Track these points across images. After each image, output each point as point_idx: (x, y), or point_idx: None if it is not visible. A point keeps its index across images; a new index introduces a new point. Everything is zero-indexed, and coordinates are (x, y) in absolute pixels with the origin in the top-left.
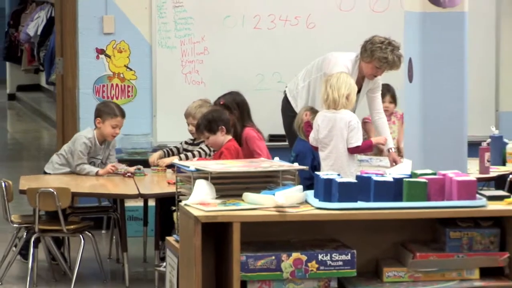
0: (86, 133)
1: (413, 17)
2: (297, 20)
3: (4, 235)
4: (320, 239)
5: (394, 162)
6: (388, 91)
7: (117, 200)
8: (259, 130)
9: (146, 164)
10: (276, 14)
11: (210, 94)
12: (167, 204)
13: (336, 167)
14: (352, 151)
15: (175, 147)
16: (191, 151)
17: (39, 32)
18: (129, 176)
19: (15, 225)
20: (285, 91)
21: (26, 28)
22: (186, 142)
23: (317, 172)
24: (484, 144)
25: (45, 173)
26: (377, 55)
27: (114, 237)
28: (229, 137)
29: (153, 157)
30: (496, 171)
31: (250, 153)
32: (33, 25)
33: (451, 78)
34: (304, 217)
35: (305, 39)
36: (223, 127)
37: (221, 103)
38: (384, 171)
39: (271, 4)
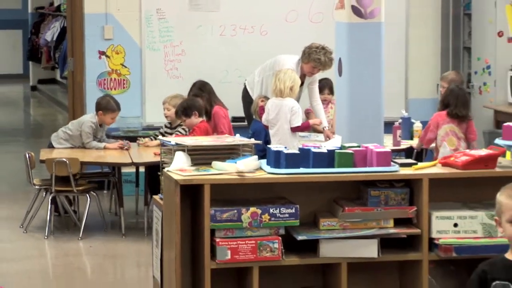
0: (90, 117)
1: (342, 27)
2: (253, 29)
3: (28, 195)
4: (271, 197)
5: (328, 138)
6: (327, 84)
7: (115, 167)
8: (226, 107)
9: (135, 139)
10: (237, 24)
11: (186, 86)
12: (154, 170)
13: (282, 141)
14: (294, 129)
15: (159, 132)
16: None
17: (54, 38)
18: (126, 149)
19: (36, 187)
20: (244, 83)
21: (44, 35)
22: (165, 126)
23: (268, 146)
24: (396, 124)
25: (50, 143)
26: (313, 57)
27: (113, 196)
28: (201, 119)
29: (143, 141)
30: (405, 144)
31: (216, 126)
32: (50, 33)
33: (371, 73)
34: (259, 180)
35: (259, 43)
36: (196, 112)
37: (192, 94)
38: (320, 144)
39: (233, 16)
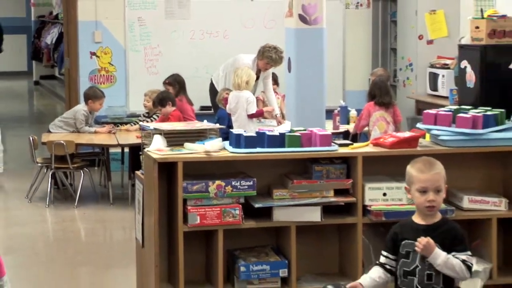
0: (82, 107)
1: (291, 32)
2: (218, 34)
3: (32, 171)
4: (233, 172)
5: (279, 123)
6: (273, 76)
7: (104, 148)
8: (188, 99)
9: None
10: (204, 30)
11: (162, 80)
12: (136, 150)
13: (241, 126)
14: (250, 116)
15: (138, 119)
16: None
17: (53, 41)
18: (113, 133)
19: (39, 164)
20: (211, 78)
21: (45, 39)
22: (143, 115)
23: (231, 130)
24: (335, 111)
25: (49, 130)
26: (266, 55)
27: (102, 171)
28: (174, 108)
29: (126, 127)
30: (343, 128)
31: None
32: (50, 37)
33: (315, 70)
34: (223, 158)
35: (223, 45)
36: (170, 102)
37: (167, 81)
38: (273, 128)
39: (201, 24)
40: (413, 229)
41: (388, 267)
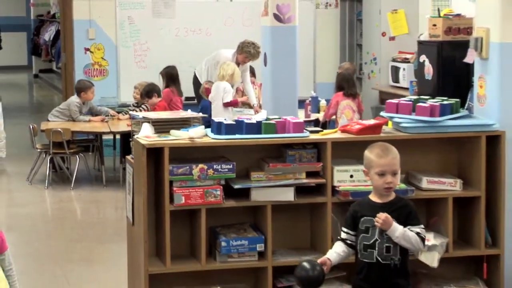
0: (75, 99)
1: (267, 29)
2: (200, 31)
3: (32, 156)
4: (214, 156)
5: (256, 112)
6: (251, 69)
7: (98, 135)
8: (179, 90)
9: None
10: (188, 28)
11: (151, 74)
12: (126, 137)
13: (218, 114)
14: (225, 105)
15: (128, 109)
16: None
17: (51, 38)
18: (106, 121)
19: (38, 150)
20: (194, 72)
21: (43, 36)
22: (133, 105)
23: (212, 118)
24: (307, 101)
25: (47, 119)
26: (245, 50)
27: (96, 156)
28: (160, 99)
29: (117, 116)
30: (314, 116)
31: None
32: (48, 34)
33: (288, 64)
34: (205, 143)
35: (205, 42)
36: (155, 94)
37: (161, 73)
38: (251, 117)
39: (185, 22)
40: (371, 207)
41: (348, 242)
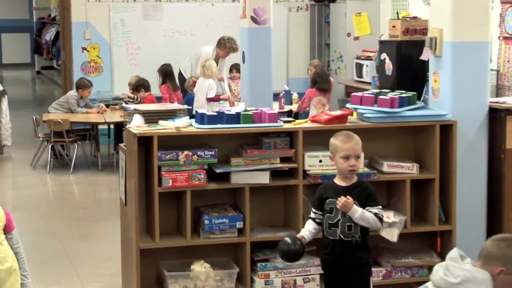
0: (73, 93)
1: (245, 30)
2: (185, 32)
3: (35, 144)
4: (198, 143)
5: (233, 104)
6: (235, 66)
7: (94, 125)
8: (174, 85)
9: (107, 106)
10: (174, 29)
11: (140, 70)
12: (120, 127)
13: (200, 107)
14: (208, 100)
15: (123, 101)
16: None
17: (51, 38)
18: (101, 113)
19: (40, 138)
20: (179, 68)
21: (45, 36)
22: (128, 97)
23: (197, 110)
24: (281, 94)
25: (48, 111)
26: (228, 45)
27: (92, 144)
28: (148, 93)
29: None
30: (287, 108)
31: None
32: (49, 35)
33: (264, 61)
34: (190, 132)
35: (189, 41)
36: (143, 89)
37: (158, 70)
38: (231, 108)
39: (172, 24)
40: (335, 190)
41: (317, 220)
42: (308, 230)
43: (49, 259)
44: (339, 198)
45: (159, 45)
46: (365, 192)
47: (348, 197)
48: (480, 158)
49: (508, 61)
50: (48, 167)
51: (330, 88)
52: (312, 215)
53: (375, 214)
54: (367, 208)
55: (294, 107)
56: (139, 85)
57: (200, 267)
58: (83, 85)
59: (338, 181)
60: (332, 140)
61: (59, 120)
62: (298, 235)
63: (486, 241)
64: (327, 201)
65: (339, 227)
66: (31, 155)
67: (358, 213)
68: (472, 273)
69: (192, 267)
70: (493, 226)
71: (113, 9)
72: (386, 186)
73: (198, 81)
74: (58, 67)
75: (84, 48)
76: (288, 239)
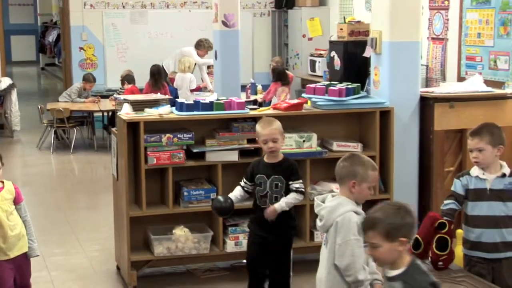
0: (78, 84)
1: (217, 33)
2: (167, 34)
3: (40, 129)
4: (178, 127)
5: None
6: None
7: (90, 113)
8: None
9: (102, 97)
10: (158, 31)
11: (129, 66)
12: (113, 114)
13: (185, 98)
14: (191, 91)
15: (117, 93)
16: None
17: (54, 40)
18: (96, 102)
19: (45, 124)
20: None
21: (48, 38)
22: (120, 89)
23: (176, 99)
24: (247, 86)
25: (58, 100)
26: (206, 46)
27: (89, 129)
28: (131, 85)
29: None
30: (253, 98)
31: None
32: (51, 37)
33: (233, 58)
34: (171, 118)
35: (170, 42)
36: (126, 81)
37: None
38: (205, 98)
39: (156, 27)
40: (264, 166)
41: (245, 189)
42: (235, 195)
43: (52, 226)
44: (265, 211)
45: (144, 45)
46: (289, 169)
47: (269, 208)
48: (413, 138)
49: (435, 58)
50: (52, 148)
51: (290, 81)
52: (242, 183)
53: (296, 188)
54: (290, 182)
55: (259, 97)
56: (124, 79)
57: (180, 231)
58: (87, 79)
59: (266, 159)
60: (256, 126)
61: (61, 109)
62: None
63: (335, 168)
64: (257, 176)
65: (268, 198)
66: (37, 138)
67: (283, 205)
68: (334, 203)
69: (173, 231)
70: (423, 194)
71: (105, 15)
72: (335, 163)
73: (178, 76)
74: (59, 64)
75: (81, 48)
76: (220, 198)
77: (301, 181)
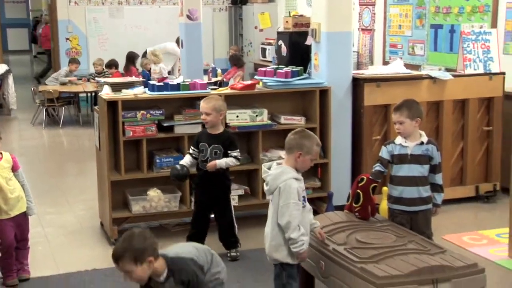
0: (65, 67)
1: (182, 25)
2: (140, 27)
3: (34, 108)
4: (151, 106)
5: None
6: None
7: (76, 93)
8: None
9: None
10: (133, 25)
11: (109, 54)
12: (95, 94)
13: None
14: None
15: (94, 75)
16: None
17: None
18: (80, 84)
19: (37, 103)
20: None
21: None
22: (96, 73)
23: (149, 82)
24: (209, 70)
25: (45, 83)
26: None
27: (75, 107)
28: (116, 71)
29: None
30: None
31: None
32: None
33: (196, 47)
34: (145, 97)
35: (144, 35)
36: (114, 66)
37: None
38: (172, 80)
39: (132, 21)
40: (206, 136)
41: (193, 155)
42: (185, 162)
43: (46, 190)
44: (207, 165)
45: (121, 36)
46: (228, 140)
47: (211, 162)
48: (347, 112)
49: (365, 45)
50: (44, 124)
51: (243, 64)
52: (191, 151)
53: (235, 156)
54: (229, 151)
55: (218, 79)
56: (110, 64)
57: (153, 193)
58: (73, 60)
59: (209, 130)
60: (201, 102)
61: (51, 90)
62: (180, 163)
63: (286, 139)
64: (201, 144)
65: (208, 162)
66: (31, 116)
67: (222, 162)
68: (277, 171)
69: (148, 192)
70: (356, 158)
71: (87, 10)
72: (283, 133)
73: (153, 67)
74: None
75: (67, 39)
76: (177, 166)
77: (238, 150)
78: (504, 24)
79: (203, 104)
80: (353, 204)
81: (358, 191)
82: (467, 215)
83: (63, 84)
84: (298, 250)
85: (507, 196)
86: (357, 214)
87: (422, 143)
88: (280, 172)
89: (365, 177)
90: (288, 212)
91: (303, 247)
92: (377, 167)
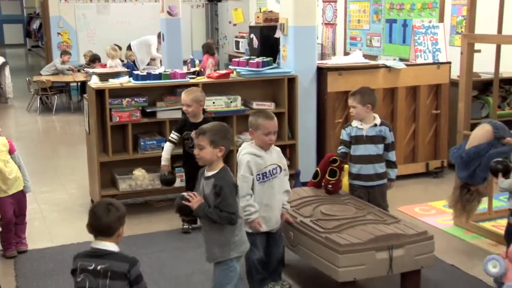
0: (57, 59)
1: (163, 20)
2: (125, 22)
3: (28, 96)
4: (135, 94)
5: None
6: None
7: (67, 83)
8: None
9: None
10: (119, 20)
11: (96, 48)
12: (84, 84)
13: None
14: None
15: (84, 66)
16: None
17: (37, 27)
18: (71, 75)
19: (32, 92)
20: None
21: (33, 26)
22: (86, 65)
23: (133, 71)
24: (188, 61)
25: (40, 74)
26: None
27: (66, 95)
28: (101, 63)
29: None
30: (192, 70)
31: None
32: (35, 25)
33: (176, 40)
34: (130, 86)
35: (129, 29)
36: (97, 60)
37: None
38: (155, 70)
39: (117, 17)
40: (189, 124)
41: (173, 140)
42: (166, 157)
43: (40, 171)
44: (192, 133)
45: (108, 31)
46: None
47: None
48: (312, 98)
49: (328, 38)
50: (38, 111)
51: (214, 53)
52: (171, 137)
53: None
54: None
55: (196, 69)
56: (95, 58)
57: (139, 172)
58: (65, 52)
59: (191, 119)
60: (182, 94)
61: (44, 80)
62: (163, 164)
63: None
64: (185, 132)
65: (194, 148)
66: (26, 104)
67: None
68: (241, 148)
69: (133, 172)
70: (320, 139)
71: (77, 7)
72: None
73: (109, 62)
74: (42, 46)
75: (58, 33)
76: (165, 173)
77: None
78: (450, 19)
79: (184, 97)
80: (329, 178)
81: (335, 168)
82: (419, 188)
83: (61, 71)
84: (246, 218)
85: (453, 171)
86: (330, 187)
87: (375, 125)
88: (241, 148)
89: (337, 159)
90: (239, 183)
91: (251, 216)
92: (342, 149)
